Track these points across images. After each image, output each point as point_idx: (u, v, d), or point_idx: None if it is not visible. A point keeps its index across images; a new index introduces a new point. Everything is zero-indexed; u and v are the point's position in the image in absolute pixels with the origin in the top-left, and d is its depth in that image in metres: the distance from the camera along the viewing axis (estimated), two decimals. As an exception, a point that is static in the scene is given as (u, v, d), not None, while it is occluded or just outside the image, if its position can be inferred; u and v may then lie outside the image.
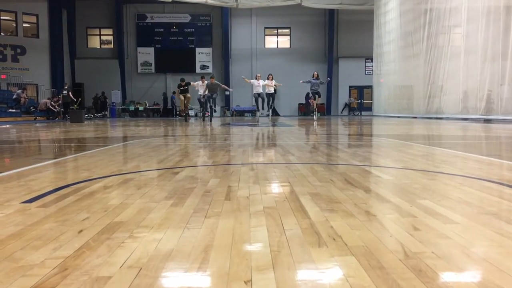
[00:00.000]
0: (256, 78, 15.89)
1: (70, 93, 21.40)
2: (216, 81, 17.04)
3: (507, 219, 1.91)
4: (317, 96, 15.99)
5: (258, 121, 15.75)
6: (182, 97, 16.62)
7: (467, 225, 1.79)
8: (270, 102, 15.75)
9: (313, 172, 3.29)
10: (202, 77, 17.66)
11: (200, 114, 19.48)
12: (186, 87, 16.47)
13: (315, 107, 16.35)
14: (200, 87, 17.11)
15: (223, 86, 18.51)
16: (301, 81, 16.73)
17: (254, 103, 17.78)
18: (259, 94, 15.69)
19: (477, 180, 2.92)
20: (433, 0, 17.60)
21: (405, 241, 1.56)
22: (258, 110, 16.29)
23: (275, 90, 15.81)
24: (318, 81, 15.80)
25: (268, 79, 15.61)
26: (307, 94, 30.19)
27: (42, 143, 7.35)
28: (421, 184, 2.80)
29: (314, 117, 16.46)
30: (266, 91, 15.67)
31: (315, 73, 16.31)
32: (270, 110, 16.43)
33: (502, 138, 7.82)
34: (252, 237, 1.62)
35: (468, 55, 14.82)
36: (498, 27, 13.14)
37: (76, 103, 21.58)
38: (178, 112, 19.61)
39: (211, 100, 16.49)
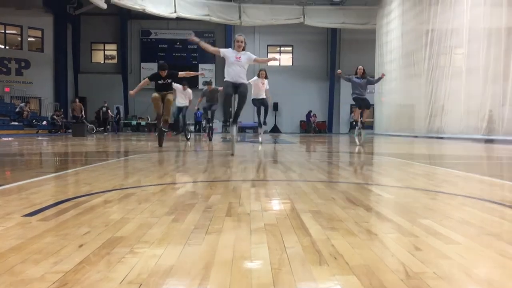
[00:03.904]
0: (258, 75, 10.93)
1: (109, 110, 25.04)
2: (214, 87, 13.30)
3: (509, 240, 1.90)
4: (362, 104, 10.81)
5: (261, 139, 11.54)
6: (157, 96, 9.01)
7: (469, 245, 1.78)
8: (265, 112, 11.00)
9: (314, 189, 3.29)
10: (184, 85, 13.12)
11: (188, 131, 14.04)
12: (168, 81, 9.12)
13: (359, 122, 11.09)
14: (180, 93, 12.89)
15: (220, 89, 13.55)
16: (338, 70, 11.65)
17: (255, 119, 12.83)
18: (261, 101, 10.98)
19: (479, 201, 2.92)
20: (435, 20, 17.75)
21: (406, 261, 1.55)
22: (260, 126, 11.29)
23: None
24: (364, 81, 10.60)
25: (259, 76, 10.87)
26: (309, 112, 30.48)
27: (44, 157, 7.36)
28: (423, 203, 2.80)
29: (357, 140, 11.23)
30: (255, 95, 10.94)
31: (360, 68, 10.79)
32: (264, 123, 11.24)
33: (504, 158, 7.82)
34: (253, 254, 1.62)
35: (469, 75, 14.89)
36: (499, 48, 13.24)
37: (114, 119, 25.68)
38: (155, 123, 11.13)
39: (208, 112, 13.13)
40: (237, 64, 6.84)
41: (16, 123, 21.56)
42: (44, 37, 27.16)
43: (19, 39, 26.74)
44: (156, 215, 2.29)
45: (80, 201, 2.69)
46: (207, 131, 13.46)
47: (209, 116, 13.16)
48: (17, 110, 22.60)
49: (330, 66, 30.65)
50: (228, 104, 6.98)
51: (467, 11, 15.04)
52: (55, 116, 23.61)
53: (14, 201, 2.72)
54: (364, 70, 10.74)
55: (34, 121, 23.02)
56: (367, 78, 10.79)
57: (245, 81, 6.95)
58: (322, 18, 27.23)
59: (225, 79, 6.95)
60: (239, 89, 6.88)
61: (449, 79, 16.51)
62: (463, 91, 15.18)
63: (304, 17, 26.93)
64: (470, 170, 5.32)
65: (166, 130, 9.41)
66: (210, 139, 13.08)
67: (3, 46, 26.30)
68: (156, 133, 9.92)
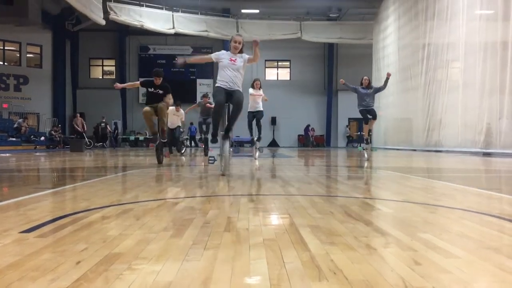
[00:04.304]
0: (253, 86, 10.13)
1: (108, 125, 25.18)
2: (210, 101, 12.19)
3: (508, 254, 1.89)
4: (368, 115, 10.01)
5: (257, 155, 10.41)
6: (148, 109, 8.12)
7: (469, 259, 1.77)
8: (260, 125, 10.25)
9: (312, 204, 3.28)
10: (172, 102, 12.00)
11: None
12: (160, 92, 8.21)
13: (366, 135, 10.34)
14: (172, 115, 12.54)
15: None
16: (342, 81, 10.32)
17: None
18: (255, 114, 10.20)
19: (477, 214, 2.91)
20: (431, 35, 17.91)
21: (406, 275, 1.54)
22: (253, 138, 10.34)
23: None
24: (370, 91, 9.91)
25: (254, 87, 10.13)
26: (307, 126, 30.59)
27: (42, 172, 7.34)
28: (422, 217, 2.79)
29: (365, 153, 10.32)
30: (252, 108, 10.20)
31: (365, 79, 10.08)
32: (258, 139, 10.32)
33: (502, 171, 7.82)
34: (251, 270, 1.61)
35: (466, 89, 14.98)
36: (495, 62, 13.34)
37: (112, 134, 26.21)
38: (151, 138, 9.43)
39: (204, 126, 12.61)
40: (231, 67, 5.87)
41: (14, 139, 21.55)
42: (43, 53, 27.32)
43: (18, 55, 26.89)
44: (154, 230, 2.28)
45: (78, 217, 2.67)
46: (203, 145, 12.93)
47: (205, 130, 12.60)
48: (15, 126, 22.61)
49: (328, 81, 30.88)
50: (218, 114, 5.84)
51: (463, 26, 15.19)
52: (53, 132, 23.63)
53: (11, 218, 2.71)
54: (369, 80, 10.12)
55: (32, 136, 23.02)
56: (374, 87, 10.20)
57: (240, 88, 5.93)
58: (319, 33, 27.48)
59: (216, 85, 5.97)
60: (233, 96, 5.82)
61: (446, 92, 16.61)
62: (460, 105, 15.26)
63: (301, 32, 27.16)
64: (468, 183, 5.32)
65: (165, 140, 8.81)
66: (206, 154, 12.31)
67: (1, 63, 26.43)
68: (155, 147, 8.68)
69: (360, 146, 10.69)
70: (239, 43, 5.99)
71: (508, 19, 12.75)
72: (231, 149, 5.90)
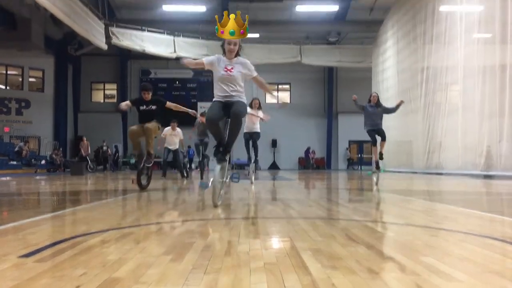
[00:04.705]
0: (251, 106, 9.09)
1: (108, 149, 25.40)
2: None
3: (511, 277, 1.87)
4: (376, 135, 9.03)
5: (253, 178, 9.69)
6: (134, 129, 7.29)
7: (471, 283, 1.75)
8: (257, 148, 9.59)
9: (314, 227, 3.26)
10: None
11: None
12: (152, 108, 7.35)
13: (376, 157, 9.24)
14: (170, 136, 12.11)
15: None
16: (354, 96, 9.18)
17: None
18: (251, 135, 9.49)
19: (479, 237, 2.89)
20: (430, 59, 18.09)
21: (408, 300, 1.52)
22: (250, 160, 9.62)
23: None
24: (379, 110, 9.05)
25: (252, 107, 9.20)
26: (307, 149, 30.63)
27: (42, 196, 7.31)
28: (423, 240, 2.77)
29: (374, 178, 9.07)
30: (248, 129, 9.45)
31: (374, 95, 9.23)
32: (255, 162, 9.72)
33: (503, 194, 7.79)
34: (252, 295, 1.59)
35: (465, 111, 15.04)
36: (494, 85, 13.43)
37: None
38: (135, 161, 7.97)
39: (200, 147, 11.85)
40: (226, 79, 4.78)
41: (14, 162, 21.55)
42: (45, 77, 27.57)
43: (20, 79, 27.11)
44: (154, 254, 2.26)
45: (77, 241, 2.66)
46: (198, 167, 12.02)
47: (202, 152, 11.85)
48: (16, 149, 22.64)
49: (328, 103, 31.08)
50: (212, 132, 4.84)
51: (461, 49, 15.35)
52: (54, 155, 23.65)
53: (10, 242, 2.69)
54: (378, 97, 9.18)
55: (33, 160, 23.03)
56: (383, 106, 9.21)
57: (242, 99, 4.88)
58: (319, 57, 27.75)
59: (213, 100, 4.92)
60: (231, 108, 4.74)
61: (446, 115, 16.68)
62: (460, 127, 15.30)
63: (301, 56, 27.43)
64: (469, 206, 5.30)
65: (150, 165, 7.50)
66: (202, 177, 11.75)
67: (4, 87, 26.63)
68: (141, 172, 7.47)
69: (372, 170, 9.54)
70: (235, 44, 4.75)
71: (506, 43, 12.91)
72: (228, 176, 4.89)
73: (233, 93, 4.80)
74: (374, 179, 9.02)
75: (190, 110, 8.15)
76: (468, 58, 14.91)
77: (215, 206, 4.56)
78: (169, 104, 7.60)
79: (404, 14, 21.04)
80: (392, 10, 23.07)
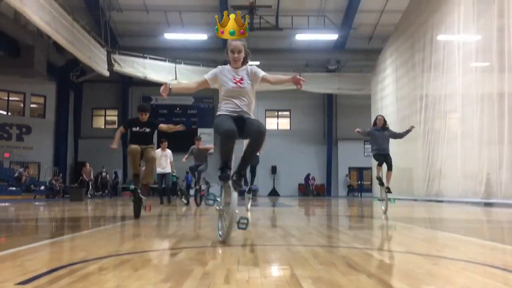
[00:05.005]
0: None
1: (107, 174, 25.51)
2: (204, 145, 11.65)
3: (514, 307, 1.85)
4: (383, 160, 8.70)
5: (248, 205, 9.50)
6: (136, 148, 6.74)
7: (473, 313, 1.73)
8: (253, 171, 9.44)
9: (314, 254, 3.23)
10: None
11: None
12: (147, 131, 6.97)
13: (386, 184, 8.78)
14: (159, 158, 11.19)
15: (208, 146, 12.26)
16: (357, 130, 8.97)
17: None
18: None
19: (481, 266, 2.87)
20: (428, 86, 18.24)
21: (410, 329, 1.50)
22: (247, 184, 9.27)
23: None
24: (386, 134, 8.69)
25: None
26: (307, 175, 30.58)
27: (40, 222, 7.27)
28: (425, 269, 2.75)
29: (382, 207, 8.55)
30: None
31: (380, 118, 8.83)
32: (251, 186, 9.52)
33: (504, 222, 7.74)
34: (251, 324, 1.57)
35: (464, 139, 15.07)
36: (492, 113, 13.50)
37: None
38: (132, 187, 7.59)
39: (195, 174, 11.30)
40: (237, 93, 4.03)
41: (14, 188, 21.48)
42: (47, 103, 27.76)
43: (22, 105, 27.28)
44: (152, 282, 2.24)
45: (75, 268, 2.63)
46: (193, 195, 11.67)
47: (196, 178, 11.27)
48: (15, 175, 22.60)
49: (327, 130, 31.20)
50: (228, 147, 3.91)
51: (459, 77, 15.49)
52: (53, 181, 23.59)
53: (8, 269, 2.66)
54: (384, 120, 8.75)
55: (32, 186, 22.96)
56: (390, 130, 8.85)
57: (252, 116, 4.12)
58: (319, 84, 27.97)
59: (218, 114, 4.10)
60: (247, 124, 3.96)
61: (445, 142, 16.71)
62: (459, 155, 15.31)
63: (300, 83, 27.65)
64: (471, 234, 5.26)
65: (145, 197, 6.98)
66: (198, 205, 11.33)
67: (5, 113, 26.77)
68: (132, 200, 7.13)
69: (380, 197, 9.07)
70: (239, 52, 4.01)
71: (503, 71, 13.03)
72: (249, 205, 4.17)
73: (245, 108, 4.05)
74: (383, 207, 8.57)
75: (181, 127, 7.83)
76: (467, 86, 15.03)
77: (223, 242, 3.78)
78: (161, 126, 7.31)
79: (403, 43, 21.33)
80: (391, 39, 23.40)
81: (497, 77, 13.42)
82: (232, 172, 3.92)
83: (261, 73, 4.11)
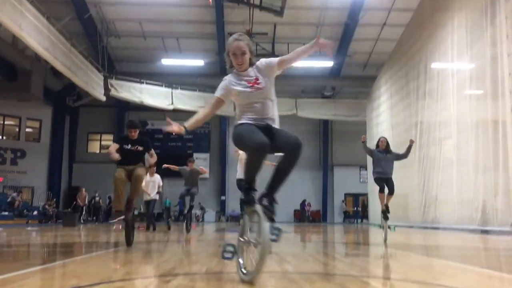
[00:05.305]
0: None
1: (100, 199, 25.27)
2: (195, 167, 11.12)
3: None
4: (384, 184, 8.49)
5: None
6: (122, 175, 6.38)
7: None
8: None
9: (310, 282, 3.19)
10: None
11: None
12: (138, 149, 6.50)
13: (383, 204, 8.81)
14: (146, 183, 11.00)
15: (201, 168, 11.63)
16: (364, 137, 8.74)
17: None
18: (241, 180, 8.28)
19: (479, 294, 2.83)
20: (423, 114, 18.39)
21: None
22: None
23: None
24: (389, 156, 8.41)
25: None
26: (303, 201, 30.44)
27: (32, 248, 7.17)
28: (421, 297, 2.71)
29: (383, 234, 8.55)
30: (242, 175, 7.72)
31: (382, 140, 8.58)
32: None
33: (501, 249, 7.70)
34: None
35: (460, 165, 15.10)
36: (487, 140, 13.57)
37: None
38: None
39: (186, 199, 10.86)
40: (257, 94, 3.43)
41: (6, 213, 21.22)
42: (42, 127, 27.69)
43: (17, 129, 27.23)
44: (145, 310, 2.19)
45: (67, 295, 2.58)
46: (184, 221, 11.14)
47: (188, 204, 10.77)
48: (8, 200, 22.37)
49: (323, 156, 31.24)
50: (259, 160, 3.37)
51: (454, 105, 15.63)
52: (46, 206, 23.37)
53: (-3, 295, 2.61)
54: (387, 142, 8.36)
55: (25, 210, 22.71)
56: (393, 152, 8.48)
57: (275, 121, 3.60)
58: (314, 110, 28.19)
59: (239, 123, 3.44)
60: (277, 135, 3.49)
61: (441, 169, 16.74)
62: (455, 181, 15.32)
63: (296, 109, 27.85)
64: (467, 261, 5.22)
65: (132, 215, 6.56)
66: (188, 231, 10.86)
67: (0, 137, 26.69)
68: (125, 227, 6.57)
69: (380, 224, 8.39)
70: (242, 53, 3.38)
71: (497, 99, 13.17)
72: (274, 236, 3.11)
73: (270, 114, 3.53)
74: (383, 235, 8.29)
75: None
76: (461, 113, 15.16)
77: (251, 282, 3.09)
78: (152, 153, 6.62)
79: (397, 70, 21.60)
80: (385, 67, 23.71)
81: (491, 104, 13.55)
82: (257, 195, 3.36)
83: (274, 60, 3.48)
